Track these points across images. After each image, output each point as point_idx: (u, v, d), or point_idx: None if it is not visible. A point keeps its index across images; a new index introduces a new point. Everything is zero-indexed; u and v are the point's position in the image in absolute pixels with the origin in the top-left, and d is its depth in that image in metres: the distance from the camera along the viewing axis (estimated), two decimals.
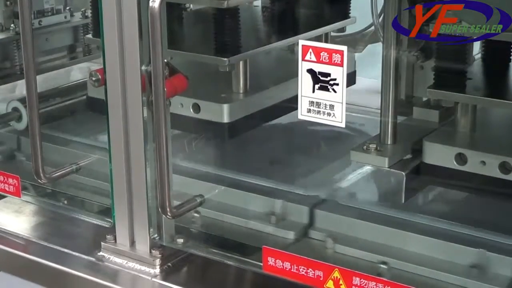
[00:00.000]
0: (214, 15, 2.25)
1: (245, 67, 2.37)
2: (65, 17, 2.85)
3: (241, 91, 2.38)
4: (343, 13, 2.49)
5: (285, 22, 2.43)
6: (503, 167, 1.88)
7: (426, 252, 1.95)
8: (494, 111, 2.12)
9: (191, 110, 2.29)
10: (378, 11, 2.29)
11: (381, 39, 2.10)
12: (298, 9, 2.46)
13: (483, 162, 1.90)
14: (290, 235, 2.08)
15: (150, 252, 2.04)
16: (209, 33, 2.29)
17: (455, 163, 1.95)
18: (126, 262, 2.06)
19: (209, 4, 2.22)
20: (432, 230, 1.99)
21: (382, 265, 1.92)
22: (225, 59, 2.22)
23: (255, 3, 2.63)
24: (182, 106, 2.29)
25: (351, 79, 2.63)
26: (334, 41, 2.59)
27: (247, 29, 2.36)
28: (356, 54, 2.64)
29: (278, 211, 2.13)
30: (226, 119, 2.29)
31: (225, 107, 2.28)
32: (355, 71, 2.66)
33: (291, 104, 2.41)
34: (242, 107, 2.34)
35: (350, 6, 2.54)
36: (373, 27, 2.47)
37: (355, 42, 2.63)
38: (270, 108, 2.42)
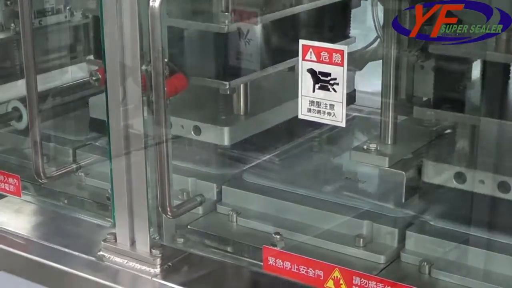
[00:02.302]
0: (215, 38, 2.25)
1: (245, 90, 2.39)
2: (65, 16, 2.85)
3: (241, 113, 2.39)
4: (343, 33, 2.50)
5: (285, 43, 2.44)
6: (503, 187, 1.88)
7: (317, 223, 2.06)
8: (494, 130, 2.10)
9: (192, 133, 2.31)
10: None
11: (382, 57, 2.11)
12: (298, 30, 2.47)
13: (482, 181, 1.90)
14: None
15: (150, 251, 2.04)
16: (210, 55, 2.29)
17: (454, 182, 1.94)
18: (127, 262, 2.06)
19: (209, 29, 2.23)
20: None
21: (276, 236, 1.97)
22: (226, 82, 2.23)
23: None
24: (183, 128, 2.30)
25: (351, 98, 2.64)
26: None
27: (248, 50, 2.36)
28: None
29: None
30: (226, 142, 2.30)
31: (226, 130, 2.29)
32: (354, 90, 2.67)
33: (292, 125, 2.43)
34: (242, 130, 2.35)
35: (350, 26, 2.56)
36: (373, 46, 2.49)
37: (355, 60, 2.65)
38: (271, 129, 2.43)
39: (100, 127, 2.30)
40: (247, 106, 2.40)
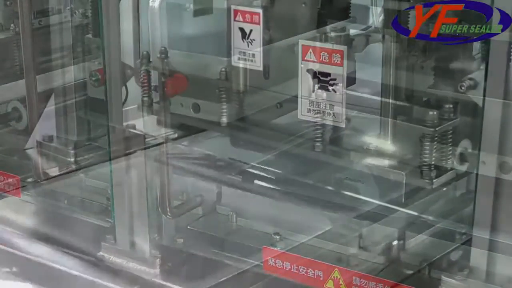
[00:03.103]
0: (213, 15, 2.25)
1: (245, 67, 2.37)
2: (65, 17, 2.84)
3: (241, 91, 2.38)
4: (344, 12, 2.49)
5: (285, 21, 2.43)
6: (503, 167, 1.88)
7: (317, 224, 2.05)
8: (493, 109, 2.10)
9: (191, 110, 2.29)
10: (378, 11, 2.29)
11: (381, 39, 2.11)
12: (297, 9, 2.47)
13: (483, 162, 1.89)
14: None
15: (150, 252, 2.04)
16: (209, 32, 2.28)
17: (455, 163, 1.94)
18: (126, 262, 2.06)
19: (209, 4, 2.22)
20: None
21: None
22: (225, 59, 2.22)
23: (254, 3, 2.63)
24: (182, 106, 2.29)
25: (351, 79, 2.62)
26: (333, 40, 2.60)
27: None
28: None
29: None
30: (225, 120, 2.29)
31: (225, 107, 2.29)
32: (355, 71, 2.66)
33: (292, 103, 2.42)
34: (241, 107, 2.34)
35: (350, 6, 2.55)
36: (373, 27, 2.48)
37: (355, 41, 2.63)
38: (270, 108, 2.42)
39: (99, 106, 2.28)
40: (247, 84, 2.39)
